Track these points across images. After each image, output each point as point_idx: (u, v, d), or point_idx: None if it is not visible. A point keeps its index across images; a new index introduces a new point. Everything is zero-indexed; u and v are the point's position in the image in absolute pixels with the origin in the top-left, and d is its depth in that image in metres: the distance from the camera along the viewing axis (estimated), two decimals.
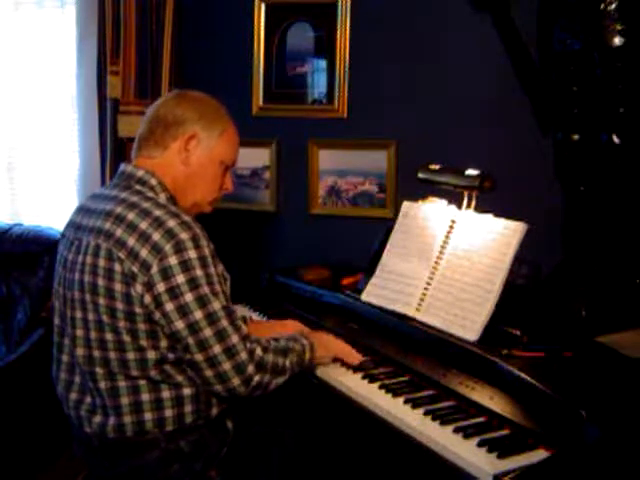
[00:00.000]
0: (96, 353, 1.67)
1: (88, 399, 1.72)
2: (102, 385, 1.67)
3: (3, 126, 3.51)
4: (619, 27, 1.97)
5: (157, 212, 1.64)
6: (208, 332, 1.62)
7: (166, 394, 1.67)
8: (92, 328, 1.66)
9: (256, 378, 1.67)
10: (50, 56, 3.34)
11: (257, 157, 2.94)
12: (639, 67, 1.99)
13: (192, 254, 1.61)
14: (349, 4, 2.74)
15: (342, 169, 2.83)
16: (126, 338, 1.63)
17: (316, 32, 2.82)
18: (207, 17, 2.99)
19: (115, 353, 1.65)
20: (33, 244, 3.03)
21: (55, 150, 3.43)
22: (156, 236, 1.60)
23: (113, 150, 3.00)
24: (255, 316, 2.40)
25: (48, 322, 2.85)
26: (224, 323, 1.63)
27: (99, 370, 1.67)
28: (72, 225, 1.78)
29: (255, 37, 2.90)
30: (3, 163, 3.55)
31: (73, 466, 2.49)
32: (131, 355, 1.64)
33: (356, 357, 1.95)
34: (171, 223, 1.61)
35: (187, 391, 1.68)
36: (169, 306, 1.60)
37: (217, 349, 1.62)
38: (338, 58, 2.77)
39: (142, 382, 1.66)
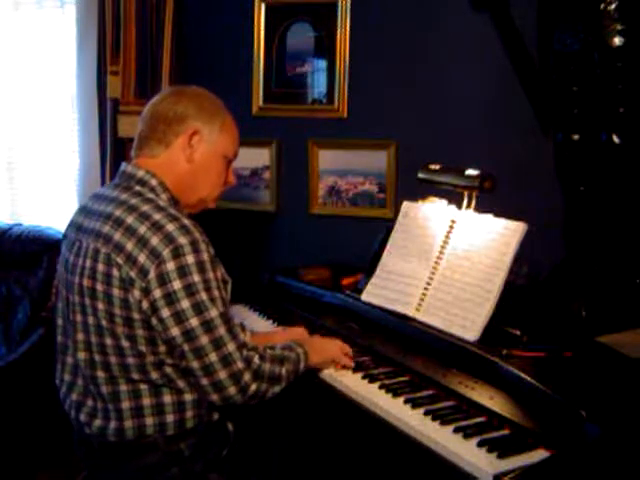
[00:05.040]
0: (97, 357, 1.66)
1: (89, 402, 1.71)
2: (104, 389, 1.66)
3: (3, 126, 3.51)
4: (619, 27, 1.96)
5: (156, 216, 1.61)
6: (204, 340, 1.59)
7: (167, 399, 1.66)
8: (92, 332, 1.65)
9: (252, 387, 1.64)
10: (50, 56, 3.34)
11: (257, 157, 2.94)
12: (639, 67, 1.99)
13: (190, 259, 1.58)
14: (349, 4, 2.74)
15: (342, 169, 2.83)
16: (125, 343, 1.62)
17: (316, 32, 2.82)
18: (207, 17, 2.99)
19: (115, 358, 1.64)
20: (33, 244, 3.03)
21: (55, 150, 3.43)
22: (154, 240, 1.57)
23: (113, 150, 3.00)
24: (255, 316, 2.40)
25: (48, 322, 2.86)
26: (221, 331, 1.61)
27: (100, 374, 1.66)
28: (74, 225, 1.77)
29: (255, 37, 2.89)
30: (3, 163, 3.55)
31: (73, 466, 2.49)
32: (131, 360, 1.63)
33: (349, 362, 1.92)
34: (170, 227, 1.59)
35: (188, 397, 1.67)
36: (165, 312, 1.57)
37: (213, 357, 1.60)
38: (338, 58, 2.77)
39: (143, 386, 1.65)
